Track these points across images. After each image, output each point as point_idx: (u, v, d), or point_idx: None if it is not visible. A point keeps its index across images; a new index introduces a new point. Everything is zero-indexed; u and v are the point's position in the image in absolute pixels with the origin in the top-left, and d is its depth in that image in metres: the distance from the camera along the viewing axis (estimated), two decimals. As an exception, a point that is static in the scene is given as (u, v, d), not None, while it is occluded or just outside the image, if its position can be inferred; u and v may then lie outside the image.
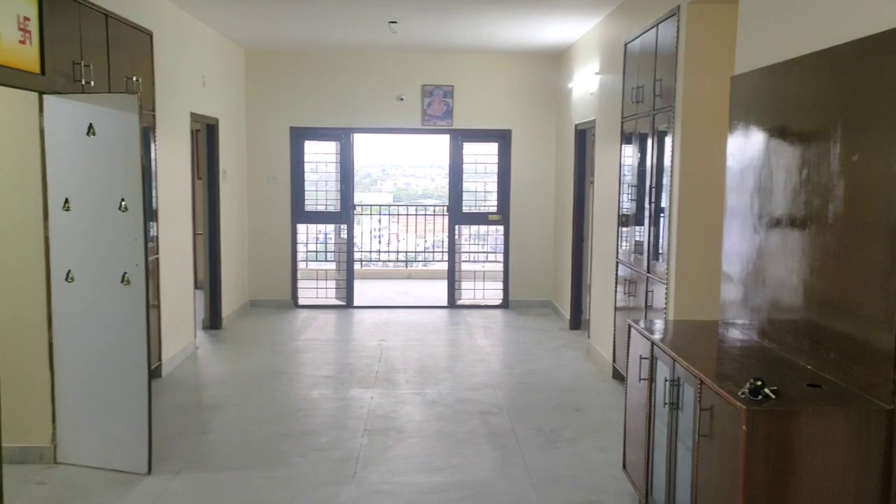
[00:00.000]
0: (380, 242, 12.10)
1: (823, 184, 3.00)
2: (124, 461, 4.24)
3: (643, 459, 3.66)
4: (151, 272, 5.89)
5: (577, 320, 8.01)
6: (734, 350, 3.42)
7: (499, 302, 9.21)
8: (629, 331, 3.92)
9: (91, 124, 4.10)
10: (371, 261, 11.93)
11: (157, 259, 6.02)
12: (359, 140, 9.34)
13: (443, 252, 11.04)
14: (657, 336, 3.63)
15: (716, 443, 2.79)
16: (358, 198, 16.26)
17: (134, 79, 5.43)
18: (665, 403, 3.30)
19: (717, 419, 2.78)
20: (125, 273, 4.13)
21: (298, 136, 9.01)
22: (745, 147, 3.71)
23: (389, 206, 12.97)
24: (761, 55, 3.58)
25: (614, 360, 6.10)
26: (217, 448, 4.69)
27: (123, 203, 4.10)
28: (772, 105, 3.50)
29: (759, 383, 2.61)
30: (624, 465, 4.05)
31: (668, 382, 3.26)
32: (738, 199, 3.76)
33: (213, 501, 3.95)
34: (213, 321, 7.86)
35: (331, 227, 9.73)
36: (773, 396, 2.60)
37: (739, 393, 2.63)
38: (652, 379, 3.54)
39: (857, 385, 2.70)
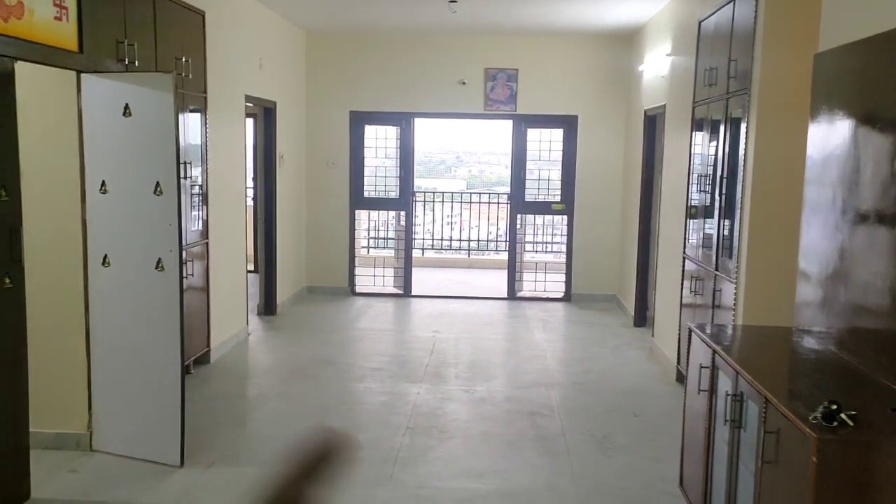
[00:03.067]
0: (451, 230, 11.81)
1: (919, 176, 2.59)
2: (157, 452, 4.12)
3: (701, 477, 3.32)
4: (201, 256, 5.80)
5: (642, 317, 7.60)
6: (808, 363, 3.04)
7: (560, 295, 8.85)
8: (689, 335, 3.56)
9: (127, 104, 3.97)
10: (433, 248, 11.70)
11: (207, 243, 5.92)
12: (431, 126, 9.08)
13: (504, 241, 10.73)
14: (720, 343, 3.26)
15: (782, 471, 2.44)
16: (433, 184, 16.13)
17: (184, 59, 5.31)
18: (726, 421, 2.95)
19: (785, 444, 2.42)
20: (160, 259, 3.99)
21: (358, 121, 8.83)
22: (829, 133, 3.30)
23: (453, 193, 12.68)
24: (850, 28, 3.16)
25: (678, 362, 5.71)
26: (253, 441, 4.54)
27: (159, 186, 3.96)
28: (861, 85, 3.08)
29: (835, 407, 2.25)
30: (681, 482, 3.70)
31: (730, 397, 2.91)
32: (819, 192, 3.35)
33: (241, 499, 3.79)
34: (267, 307, 7.78)
35: (391, 214, 9.54)
36: (851, 423, 2.23)
37: (811, 417, 2.27)
38: (713, 391, 3.19)
39: (954, 412, 2.31)
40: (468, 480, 4.03)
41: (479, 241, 11.79)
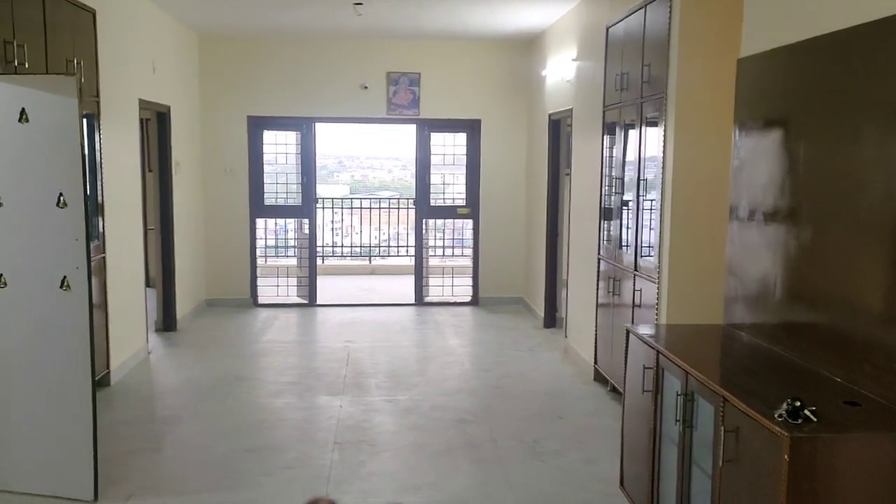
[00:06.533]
0: (342, 237, 11.64)
1: (852, 175, 2.70)
2: (68, 487, 3.78)
3: (647, 478, 3.34)
4: (97, 272, 5.40)
5: (552, 318, 7.70)
6: (749, 359, 3.12)
7: (468, 299, 8.86)
8: (627, 336, 3.60)
9: (23, 109, 3.62)
10: (333, 255, 11.48)
11: (104, 258, 5.53)
12: (318, 131, 8.84)
13: (407, 247, 10.67)
14: (662, 344, 3.31)
15: (745, 469, 2.48)
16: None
17: (75, 61, 4.93)
18: (676, 420, 2.98)
19: (746, 443, 2.46)
20: (65, 277, 3.66)
21: (257, 126, 8.52)
22: (754, 135, 3.41)
23: (351, 198, 12.49)
24: (774, 35, 3.27)
25: (595, 362, 5.80)
26: (172, 468, 4.25)
27: (62, 198, 3.63)
28: (787, 90, 3.19)
29: (798, 404, 2.30)
30: (621, 483, 3.73)
31: (680, 397, 2.94)
32: (745, 192, 3.46)
33: (168, 532, 3.53)
34: (166, 322, 7.36)
35: (292, 222, 9.27)
36: (814, 419, 2.28)
37: (776, 415, 2.31)
38: (657, 391, 3.23)
39: (900, 402, 2.41)
40: (406, 495, 3.92)
41: (380, 246, 11.67)
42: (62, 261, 3.67)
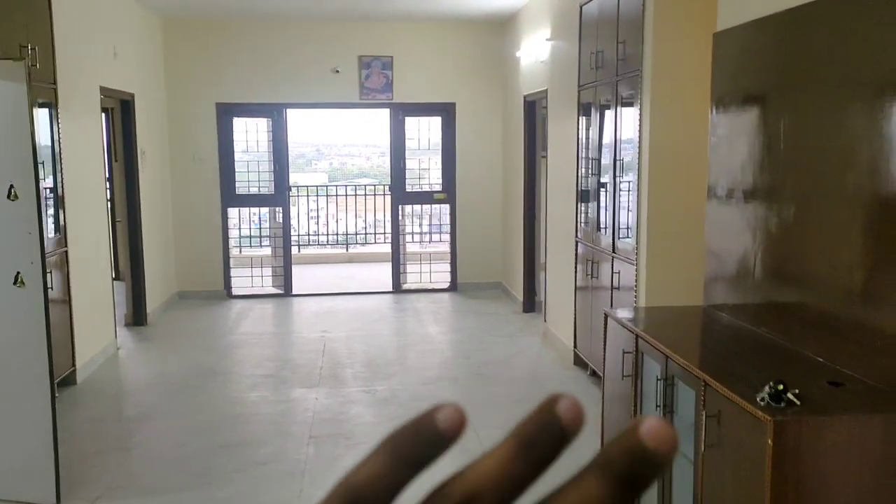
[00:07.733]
0: (318, 224, 11.49)
1: (834, 152, 2.61)
2: (29, 490, 3.64)
3: (627, 465, 3.26)
4: (59, 266, 5.23)
5: (531, 302, 7.61)
6: (731, 342, 3.04)
7: (447, 285, 8.74)
8: (605, 320, 3.50)
9: (-31, 97, 3.45)
10: (309, 245, 11.32)
11: (66, 252, 5.35)
12: (292, 118, 8.66)
13: (385, 234, 10.53)
14: (642, 327, 3.21)
15: (727, 454, 2.39)
16: (293, 178, 15.58)
17: (29, 47, 4.74)
18: (657, 406, 2.89)
19: (728, 427, 2.37)
20: (18, 273, 3.50)
21: (226, 113, 8.32)
22: (732, 112, 3.31)
23: (327, 185, 12.34)
24: (750, 7, 3.16)
25: (575, 346, 5.71)
26: (142, 467, 4.12)
27: (13, 190, 3.46)
28: (765, 64, 3.10)
29: (781, 387, 2.21)
30: (602, 469, 3.65)
31: (660, 382, 2.85)
32: (723, 170, 3.36)
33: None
34: (136, 316, 7.18)
35: (265, 211, 9.10)
36: (798, 402, 2.20)
37: (758, 398, 2.22)
38: (637, 375, 3.13)
39: (886, 381, 2.33)
40: (384, 488, 3.81)
41: (357, 234, 11.52)
42: (15, 256, 3.50)
